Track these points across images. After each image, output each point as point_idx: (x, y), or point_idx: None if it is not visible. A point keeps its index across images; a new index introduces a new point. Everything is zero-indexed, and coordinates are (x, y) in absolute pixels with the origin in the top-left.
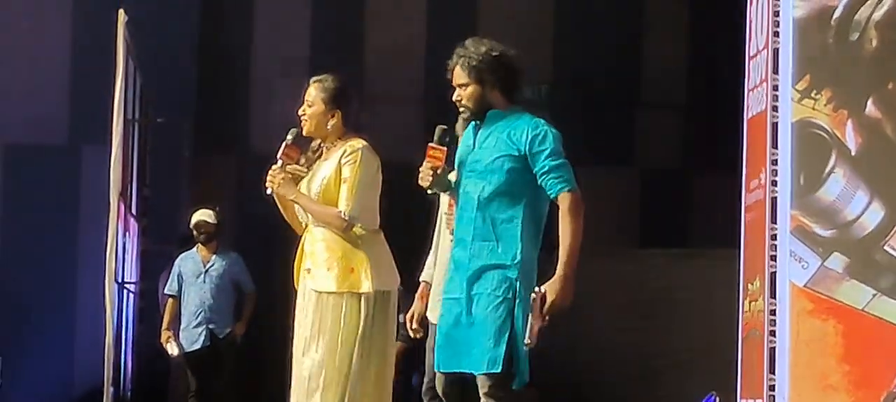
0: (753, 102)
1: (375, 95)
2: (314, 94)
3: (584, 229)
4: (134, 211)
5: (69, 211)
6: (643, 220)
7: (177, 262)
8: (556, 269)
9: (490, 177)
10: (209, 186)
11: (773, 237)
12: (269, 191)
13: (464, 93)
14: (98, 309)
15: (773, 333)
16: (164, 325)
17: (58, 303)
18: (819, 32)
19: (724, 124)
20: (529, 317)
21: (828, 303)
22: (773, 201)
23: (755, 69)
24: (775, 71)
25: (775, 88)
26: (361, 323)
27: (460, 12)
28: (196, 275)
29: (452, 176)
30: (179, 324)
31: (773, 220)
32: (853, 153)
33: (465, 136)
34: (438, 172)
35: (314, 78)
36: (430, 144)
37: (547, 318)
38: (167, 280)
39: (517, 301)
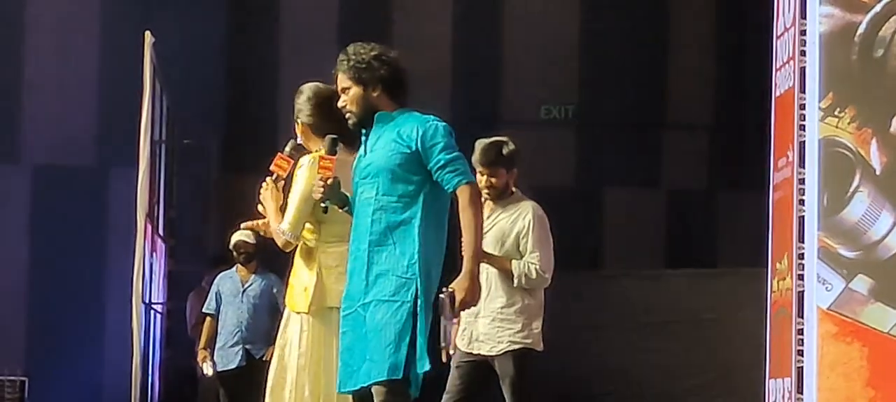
0: (781, 81)
1: None
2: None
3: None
4: (161, 232)
5: (97, 232)
6: (670, 240)
7: (216, 281)
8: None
9: (384, 177)
10: (236, 208)
11: (801, 257)
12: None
13: (347, 97)
14: (125, 330)
15: (800, 353)
16: (201, 344)
17: (85, 323)
18: (843, 49)
19: (750, 144)
20: (441, 320)
21: (852, 326)
22: (801, 219)
23: (782, 48)
24: (802, 89)
25: (802, 106)
26: (310, 344)
27: (485, 37)
28: (234, 294)
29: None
30: (215, 344)
31: (801, 239)
32: (878, 173)
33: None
34: (329, 182)
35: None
36: (321, 155)
37: (460, 317)
38: (205, 300)
39: (419, 302)
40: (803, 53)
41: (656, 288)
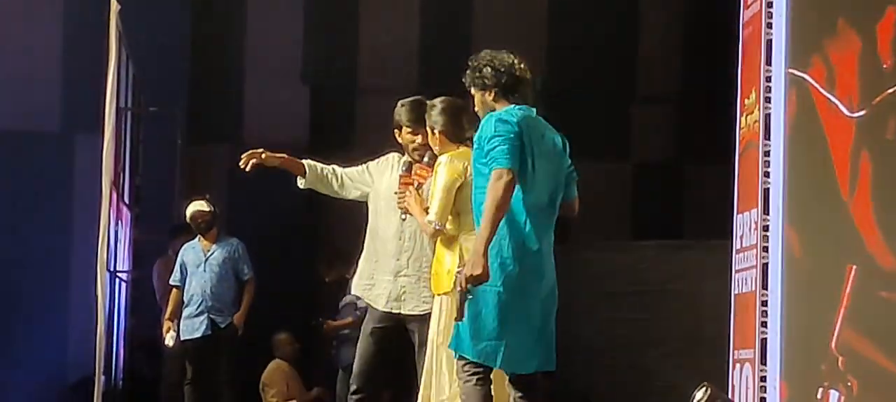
0: None
1: (368, 87)
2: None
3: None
4: (126, 200)
5: (61, 199)
6: (636, 212)
7: (180, 252)
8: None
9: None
10: (202, 176)
11: (766, 228)
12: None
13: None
14: (90, 297)
15: (764, 324)
16: (167, 315)
17: (50, 291)
18: None
19: (717, 117)
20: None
21: None
22: (766, 192)
23: None
24: (768, 62)
25: (768, 78)
26: (448, 323)
27: (455, 6)
28: (197, 264)
29: None
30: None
31: (766, 211)
32: None
33: None
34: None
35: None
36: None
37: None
38: (172, 269)
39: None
40: (770, 25)
41: (623, 259)
